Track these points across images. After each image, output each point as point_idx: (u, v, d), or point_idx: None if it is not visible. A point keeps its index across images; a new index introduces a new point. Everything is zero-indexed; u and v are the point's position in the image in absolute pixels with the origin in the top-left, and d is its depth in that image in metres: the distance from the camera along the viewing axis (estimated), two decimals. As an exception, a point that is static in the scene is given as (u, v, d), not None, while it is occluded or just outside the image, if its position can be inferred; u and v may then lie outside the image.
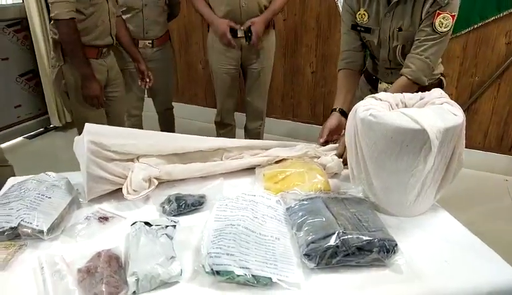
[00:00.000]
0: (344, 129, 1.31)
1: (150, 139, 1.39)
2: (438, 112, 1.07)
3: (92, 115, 2.14)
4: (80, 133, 1.31)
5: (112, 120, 2.39)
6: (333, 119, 1.61)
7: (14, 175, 1.72)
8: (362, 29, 1.65)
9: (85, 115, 2.12)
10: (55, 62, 2.13)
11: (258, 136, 2.85)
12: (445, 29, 1.47)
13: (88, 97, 2.11)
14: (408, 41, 1.57)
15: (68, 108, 2.38)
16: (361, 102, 1.16)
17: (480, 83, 2.86)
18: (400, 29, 1.57)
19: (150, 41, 2.55)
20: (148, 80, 2.44)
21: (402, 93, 1.26)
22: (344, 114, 1.60)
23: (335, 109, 1.64)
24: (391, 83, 1.69)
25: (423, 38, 1.49)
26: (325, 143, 1.58)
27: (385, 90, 1.69)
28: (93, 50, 2.14)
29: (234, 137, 2.83)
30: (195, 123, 3.63)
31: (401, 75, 1.54)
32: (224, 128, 2.81)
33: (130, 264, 0.93)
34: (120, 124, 2.45)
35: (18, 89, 3.40)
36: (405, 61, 1.54)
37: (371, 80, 1.84)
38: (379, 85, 1.79)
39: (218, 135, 2.77)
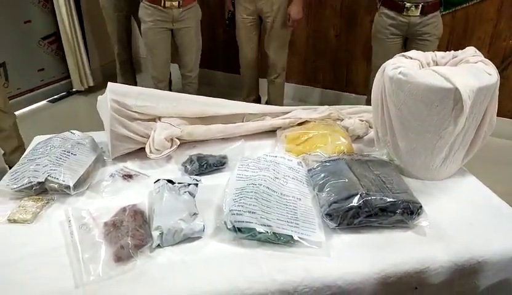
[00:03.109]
0: None
1: (171, 102, 1.38)
2: (471, 71, 1.02)
3: None
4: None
5: None
6: None
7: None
8: None
9: None
10: None
11: (277, 90, 2.93)
12: None
13: None
14: None
15: None
16: (390, 60, 1.11)
17: (514, 47, 2.72)
18: None
19: (177, 1, 2.51)
20: None
21: None
22: None
23: None
24: (416, 3, 2.16)
25: None
26: None
27: (411, 11, 2.21)
28: None
29: (258, 85, 3.04)
30: (215, 90, 3.60)
31: None
32: (248, 72, 2.97)
33: (155, 219, 0.95)
34: None
35: (40, 52, 3.42)
36: None
37: (395, 6, 2.25)
38: (405, 7, 2.20)
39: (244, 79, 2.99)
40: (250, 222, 0.92)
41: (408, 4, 2.21)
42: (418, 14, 2.22)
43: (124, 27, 3.07)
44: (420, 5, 2.20)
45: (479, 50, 1.15)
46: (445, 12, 2.75)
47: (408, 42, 2.37)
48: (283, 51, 2.82)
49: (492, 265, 0.93)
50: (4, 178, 1.13)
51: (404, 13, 2.24)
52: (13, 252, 0.92)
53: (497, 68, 1.07)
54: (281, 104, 2.96)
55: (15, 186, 1.08)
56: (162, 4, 2.49)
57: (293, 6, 2.55)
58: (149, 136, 1.28)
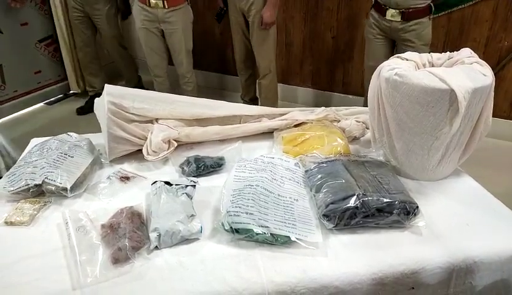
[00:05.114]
0: None
1: (169, 104, 1.38)
2: (467, 72, 1.03)
3: None
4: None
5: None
6: None
7: None
8: None
9: None
10: None
11: (265, 91, 2.95)
12: None
13: None
14: None
15: None
16: (386, 61, 1.12)
17: (509, 49, 2.73)
18: None
19: (161, 0, 2.51)
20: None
21: None
22: None
23: None
24: (397, 8, 2.19)
25: None
26: None
27: (392, 16, 2.25)
28: None
29: (255, 84, 3.08)
30: (210, 91, 3.60)
31: None
32: (243, 71, 3.04)
33: (152, 220, 0.95)
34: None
35: (37, 55, 3.42)
36: None
37: (380, 9, 2.29)
38: (387, 11, 2.24)
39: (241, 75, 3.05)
40: (247, 223, 0.92)
41: (390, 9, 2.24)
42: (400, 20, 2.23)
43: (84, 28, 3.19)
44: (402, 11, 2.22)
45: (474, 51, 1.16)
46: (440, 14, 2.77)
47: (396, 45, 2.40)
48: (266, 52, 2.80)
49: (488, 265, 0.93)
50: (0, 181, 1.13)
51: (386, 17, 2.27)
52: (10, 254, 0.92)
53: (492, 69, 1.08)
54: (273, 106, 2.96)
55: (12, 188, 1.08)
56: (148, 3, 2.53)
57: (266, 10, 2.58)
58: (146, 138, 1.28)
